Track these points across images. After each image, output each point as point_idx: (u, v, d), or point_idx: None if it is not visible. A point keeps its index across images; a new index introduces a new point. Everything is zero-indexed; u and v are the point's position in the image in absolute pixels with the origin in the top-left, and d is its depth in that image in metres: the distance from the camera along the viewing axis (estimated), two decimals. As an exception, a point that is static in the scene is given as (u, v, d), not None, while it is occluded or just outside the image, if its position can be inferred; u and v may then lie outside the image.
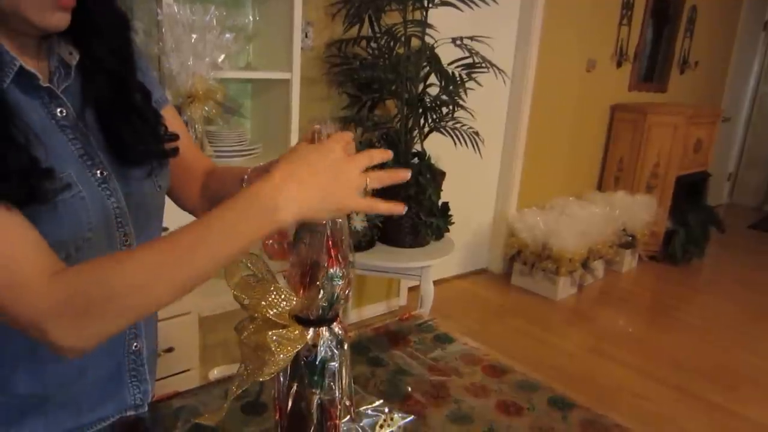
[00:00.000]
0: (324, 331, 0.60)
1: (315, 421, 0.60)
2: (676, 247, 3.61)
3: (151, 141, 0.69)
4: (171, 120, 0.75)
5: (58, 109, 0.61)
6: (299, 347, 0.57)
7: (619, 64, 3.66)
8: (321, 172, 0.53)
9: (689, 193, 3.80)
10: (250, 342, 0.58)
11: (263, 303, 0.56)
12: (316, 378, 0.60)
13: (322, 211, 0.54)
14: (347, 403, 0.63)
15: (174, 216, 0.78)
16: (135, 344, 0.71)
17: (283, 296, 0.56)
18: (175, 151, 0.73)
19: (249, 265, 0.60)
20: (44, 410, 0.65)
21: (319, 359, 0.59)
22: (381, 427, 0.72)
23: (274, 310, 0.56)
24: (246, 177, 0.73)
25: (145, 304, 0.52)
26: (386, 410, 0.74)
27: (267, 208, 0.51)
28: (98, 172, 0.63)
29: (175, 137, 0.73)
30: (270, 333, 0.56)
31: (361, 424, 0.71)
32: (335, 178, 0.53)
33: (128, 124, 0.66)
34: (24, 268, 0.50)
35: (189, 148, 0.79)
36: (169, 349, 1.57)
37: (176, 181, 0.79)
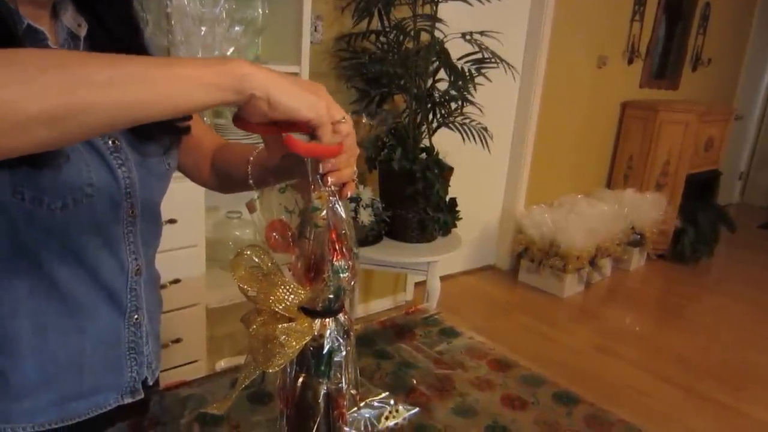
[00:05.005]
0: (330, 321, 0.60)
1: (322, 410, 0.61)
2: (685, 245, 3.58)
3: None
4: None
5: None
6: (308, 339, 0.58)
7: (630, 61, 3.63)
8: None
9: (699, 191, 3.77)
10: (258, 334, 0.58)
11: (271, 298, 0.56)
12: (323, 368, 0.60)
13: (291, 94, 0.47)
14: (353, 392, 0.63)
15: (178, 211, 0.78)
16: (135, 316, 0.72)
17: (290, 290, 0.57)
18: (188, 129, 0.74)
19: (254, 258, 0.60)
20: (46, 376, 0.66)
21: (326, 349, 0.60)
22: (386, 418, 0.73)
23: (282, 305, 0.56)
24: (251, 159, 0.73)
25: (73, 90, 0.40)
26: (391, 402, 0.74)
27: (230, 64, 0.46)
28: (110, 141, 0.64)
29: (187, 117, 0.74)
30: (279, 326, 0.56)
31: (367, 416, 0.71)
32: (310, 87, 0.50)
33: None
34: None
35: (197, 125, 0.80)
36: (177, 340, 1.58)
37: (187, 157, 0.80)
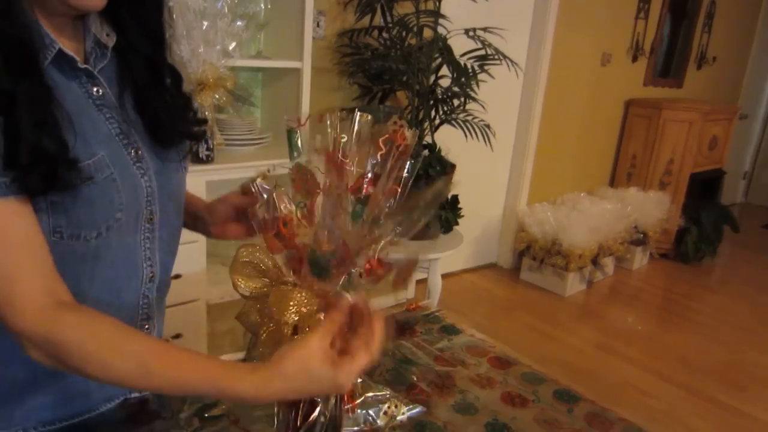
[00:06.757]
0: None
1: (332, 403, 0.60)
2: (688, 245, 3.56)
3: (183, 123, 0.71)
4: None
5: (95, 89, 0.62)
6: None
7: (634, 59, 3.61)
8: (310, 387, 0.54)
9: (703, 191, 3.75)
10: (269, 340, 0.57)
11: (286, 313, 0.55)
12: None
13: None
14: (359, 383, 0.63)
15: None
16: (146, 326, 0.72)
17: (305, 301, 0.55)
18: (203, 134, 0.75)
19: (252, 258, 0.60)
20: (56, 386, 0.66)
21: None
22: (386, 414, 0.72)
23: (297, 317, 0.55)
24: (200, 213, 0.79)
25: (105, 383, 0.56)
26: (392, 398, 0.74)
27: (243, 397, 0.53)
28: (133, 151, 0.64)
29: (203, 122, 0.75)
30: (296, 338, 0.55)
31: (367, 412, 0.71)
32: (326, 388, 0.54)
33: (163, 105, 0.68)
34: (20, 287, 0.52)
35: None
36: (177, 336, 1.58)
37: None
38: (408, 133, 0.58)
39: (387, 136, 0.57)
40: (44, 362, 0.54)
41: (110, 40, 0.64)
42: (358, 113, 0.57)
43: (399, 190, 0.58)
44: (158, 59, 0.67)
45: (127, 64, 0.65)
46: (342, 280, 0.57)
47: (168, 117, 0.68)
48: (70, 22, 0.61)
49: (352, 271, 0.58)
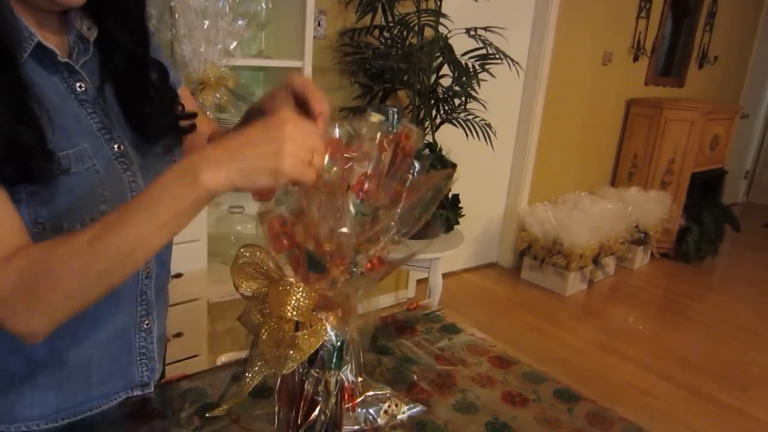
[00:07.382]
0: (339, 312, 0.60)
1: (332, 402, 0.60)
2: (690, 244, 3.56)
3: (168, 117, 0.70)
4: (185, 100, 0.77)
5: (78, 84, 0.62)
6: (325, 338, 0.58)
7: (636, 58, 3.60)
8: (255, 138, 0.50)
9: (704, 190, 3.75)
10: (270, 340, 0.57)
11: (287, 307, 0.55)
12: (335, 361, 0.60)
13: (257, 175, 0.49)
14: (359, 382, 0.63)
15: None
16: (146, 321, 0.72)
17: (304, 295, 0.55)
18: (192, 128, 0.74)
19: (253, 258, 0.60)
20: (56, 381, 0.66)
21: (340, 341, 0.60)
22: (387, 413, 0.72)
23: (296, 312, 0.55)
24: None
25: (87, 287, 0.51)
26: (392, 397, 0.74)
27: (186, 172, 0.48)
28: (116, 146, 0.64)
29: (192, 116, 0.75)
30: (300, 333, 0.55)
31: (367, 410, 0.71)
32: (269, 143, 0.49)
33: (146, 100, 0.67)
34: None
35: (202, 121, 0.81)
36: (178, 334, 1.58)
37: (187, 149, 0.80)
38: (414, 134, 0.58)
39: (391, 136, 0.57)
40: (33, 324, 0.50)
41: (91, 35, 0.64)
42: (367, 112, 0.57)
43: (402, 190, 0.58)
44: (141, 54, 0.67)
45: (110, 59, 0.65)
46: (344, 279, 0.57)
47: (152, 111, 0.67)
48: (54, 17, 0.61)
49: (354, 269, 0.58)
